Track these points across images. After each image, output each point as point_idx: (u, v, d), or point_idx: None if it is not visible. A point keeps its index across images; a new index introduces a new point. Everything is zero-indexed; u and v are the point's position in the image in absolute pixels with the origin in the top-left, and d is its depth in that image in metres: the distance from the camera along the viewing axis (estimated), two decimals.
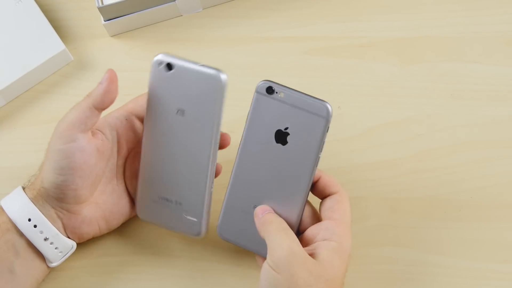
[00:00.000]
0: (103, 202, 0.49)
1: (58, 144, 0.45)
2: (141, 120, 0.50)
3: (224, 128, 0.47)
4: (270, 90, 0.45)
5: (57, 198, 0.46)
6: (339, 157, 0.55)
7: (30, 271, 0.47)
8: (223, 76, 0.45)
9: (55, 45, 0.59)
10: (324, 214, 0.46)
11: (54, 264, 0.48)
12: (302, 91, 0.46)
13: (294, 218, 0.46)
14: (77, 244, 0.49)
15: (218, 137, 0.46)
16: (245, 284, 0.51)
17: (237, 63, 0.60)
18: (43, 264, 0.48)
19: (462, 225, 0.52)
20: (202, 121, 0.46)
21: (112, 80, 0.46)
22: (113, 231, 0.51)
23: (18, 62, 0.58)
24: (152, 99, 0.47)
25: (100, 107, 0.46)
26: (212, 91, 0.45)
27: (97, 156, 0.47)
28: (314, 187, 0.47)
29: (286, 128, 0.46)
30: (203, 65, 0.46)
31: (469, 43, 0.59)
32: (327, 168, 0.54)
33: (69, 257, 0.50)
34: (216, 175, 0.48)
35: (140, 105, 0.49)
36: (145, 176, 0.48)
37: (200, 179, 0.47)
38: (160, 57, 0.46)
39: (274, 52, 0.60)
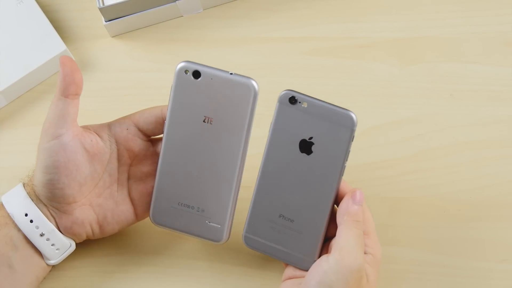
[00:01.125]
0: (97, 205, 0.48)
1: (43, 142, 0.46)
2: (144, 132, 0.49)
3: None
4: (293, 100, 0.45)
5: (47, 197, 0.46)
6: None
7: (29, 267, 0.47)
8: (255, 85, 0.45)
9: (56, 45, 0.59)
10: None
11: (52, 262, 0.48)
12: (325, 100, 0.45)
13: (321, 226, 0.46)
14: (77, 244, 0.49)
15: (247, 145, 0.47)
16: (246, 282, 0.51)
17: (238, 64, 0.60)
18: (42, 261, 0.48)
19: (461, 224, 0.52)
20: (233, 129, 0.46)
21: (64, 63, 0.45)
22: None
23: (19, 63, 0.58)
24: (176, 106, 0.47)
25: (67, 94, 0.45)
26: (244, 99, 0.45)
27: (85, 155, 0.46)
28: None
29: (311, 138, 0.45)
30: (233, 73, 0.46)
31: (468, 43, 0.59)
32: None
33: (70, 256, 0.49)
34: None
35: (145, 118, 0.48)
36: (163, 182, 0.48)
37: (226, 186, 0.47)
38: (185, 64, 0.46)
39: (274, 52, 0.60)
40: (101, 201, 0.48)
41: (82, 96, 0.60)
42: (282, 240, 0.47)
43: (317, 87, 0.58)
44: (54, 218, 0.47)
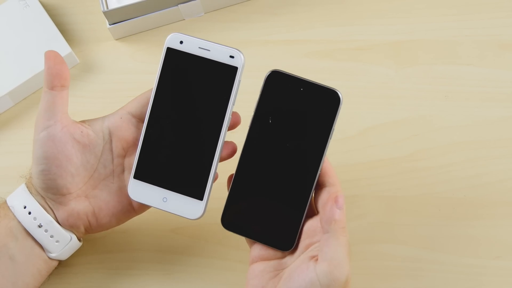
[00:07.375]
0: (93, 197, 0.48)
1: (35, 135, 0.46)
2: (138, 118, 0.48)
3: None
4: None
5: (42, 188, 0.46)
6: (337, 157, 0.55)
7: (30, 259, 0.47)
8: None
9: (62, 48, 0.60)
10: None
11: (54, 255, 0.47)
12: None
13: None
14: (82, 239, 0.49)
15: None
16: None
17: None
18: (43, 253, 0.47)
19: (456, 222, 0.53)
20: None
21: (48, 58, 0.45)
22: (116, 227, 0.50)
23: (26, 65, 0.59)
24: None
25: (52, 86, 0.45)
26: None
27: (75, 146, 0.46)
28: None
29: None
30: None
31: (463, 46, 0.59)
32: None
33: (74, 253, 0.49)
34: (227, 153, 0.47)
35: (137, 102, 0.48)
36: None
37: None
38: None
39: (274, 55, 0.61)
40: (96, 192, 0.48)
41: (86, 97, 0.61)
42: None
43: None
44: (52, 210, 0.47)
